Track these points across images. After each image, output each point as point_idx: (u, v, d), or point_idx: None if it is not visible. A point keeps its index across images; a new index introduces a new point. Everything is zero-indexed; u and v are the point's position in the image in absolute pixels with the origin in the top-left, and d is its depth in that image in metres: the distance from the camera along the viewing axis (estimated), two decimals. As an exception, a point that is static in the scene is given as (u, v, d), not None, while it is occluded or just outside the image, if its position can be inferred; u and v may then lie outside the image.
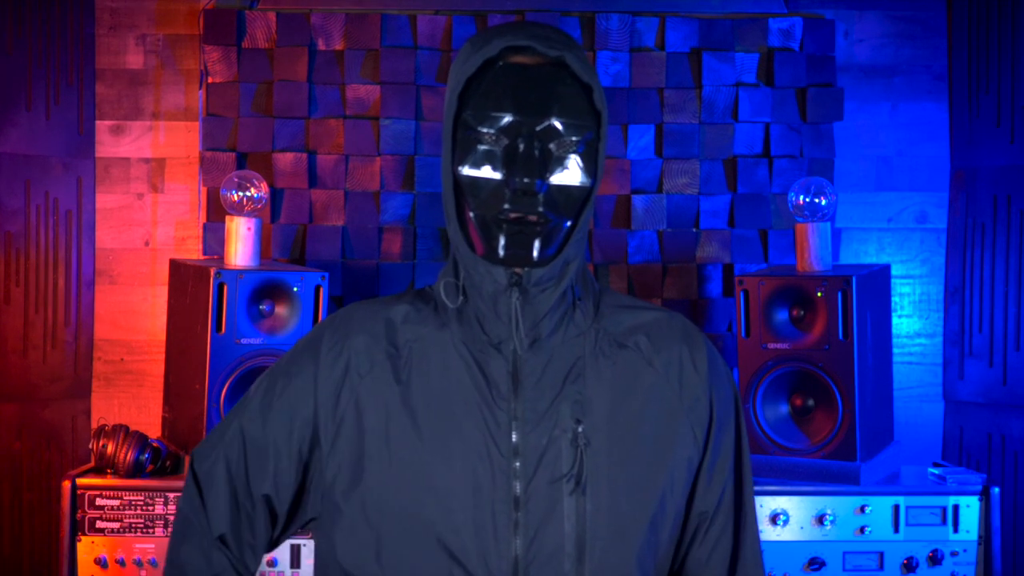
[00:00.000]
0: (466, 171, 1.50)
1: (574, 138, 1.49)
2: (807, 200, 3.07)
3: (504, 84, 1.49)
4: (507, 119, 1.48)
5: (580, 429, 1.51)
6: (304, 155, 3.45)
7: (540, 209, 1.47)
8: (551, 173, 1.48)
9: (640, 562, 1.52)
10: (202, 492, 1.64)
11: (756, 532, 1.68)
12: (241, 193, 3.06)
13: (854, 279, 2.86)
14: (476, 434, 1.50)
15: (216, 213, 3.40)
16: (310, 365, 1.60)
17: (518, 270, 1.50)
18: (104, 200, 3.51)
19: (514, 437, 1.50)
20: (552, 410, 1.52)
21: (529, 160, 1.46)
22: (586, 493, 1.50)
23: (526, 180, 1.45)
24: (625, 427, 1.54)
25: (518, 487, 1.49)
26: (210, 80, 3.46)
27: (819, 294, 2.91)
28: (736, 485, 1.66)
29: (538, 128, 1.47)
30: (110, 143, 3.51)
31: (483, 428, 1.51)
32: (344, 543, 1.55)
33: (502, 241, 1.49)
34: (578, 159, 1.50)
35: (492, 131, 1.49)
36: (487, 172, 1.49)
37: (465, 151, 1.51)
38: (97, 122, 3.51)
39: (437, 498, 1.49)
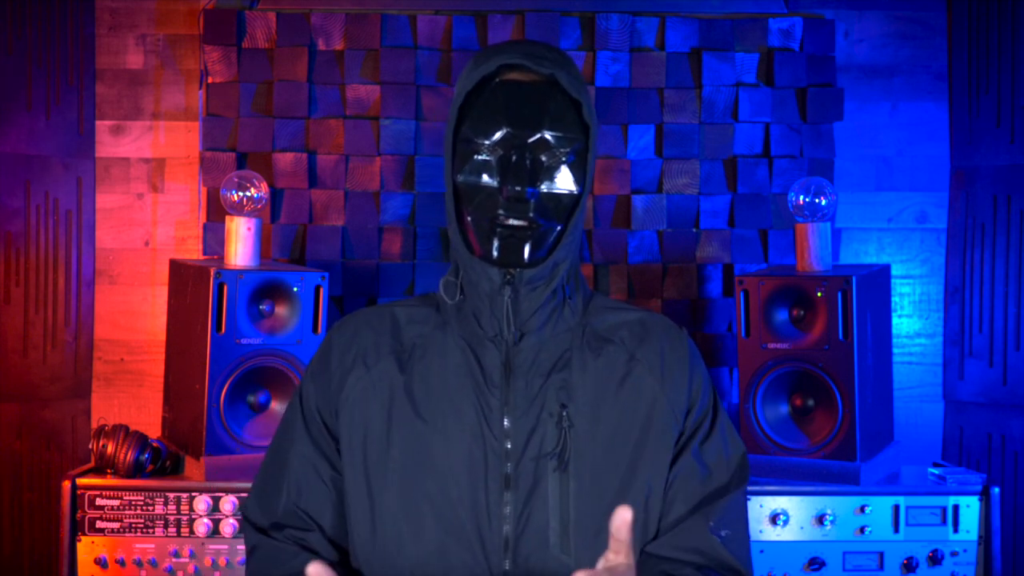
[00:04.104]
0: (464, 179, 1.64)
1: (564, 149, 1.63)
2: (807, 200, 3.07)
3: (499, 99, 1.64)
4: (502, 132, 1.62)
5: (565, 412, 1.63)
6: (304, 155, 3.45)
7: (531, 215, 1.61)
8: (542, 182, 1.63)
9: None
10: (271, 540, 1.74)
11: (746, 522, 1.73)
12: (241, 193, 3.06)
13: (854, 279, 2.87)
14: (472, 418, 1.63)
15: (216, 213, 3.41)
16: (324, 363, 1.74)
17: (511, 270, 1.63)
18: (104, 200, 3.51)
19: (506, 421, 1.62)
20: (540, 396, 1.64)
21: (521, 170, 1.60)
22: (569, 472, 1.61)
23: (518, 188, 1.59)
24: (608, 412, 1.66)
25: (509, 467, 1.61)
26: (210, 80, 3.46)
27: (819, 294, 2.91)
28: (726, 475, 1.72)
29: (530, 140, 1.62)
30: (110, 143, 3.51)
31: (478, 412, 1.63)
32: (349, 519, 1.68)
33: (496, 244, 1.63)
34: (568, 168, 1.64)
35: (488, 143, 1.63)
36: (483, 180, 1.63)
37: (464, 160, 1.65)
38: (97, 122, 3.51)
39: (435, 476, 1.61)
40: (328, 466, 1.71)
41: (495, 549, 1.58)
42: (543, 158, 1.62)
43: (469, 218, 1.65)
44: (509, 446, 1.61)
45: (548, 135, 1.61)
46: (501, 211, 1.60)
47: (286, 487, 1.72)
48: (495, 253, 1.62)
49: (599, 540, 1.57)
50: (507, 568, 1.58)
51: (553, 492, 1.60)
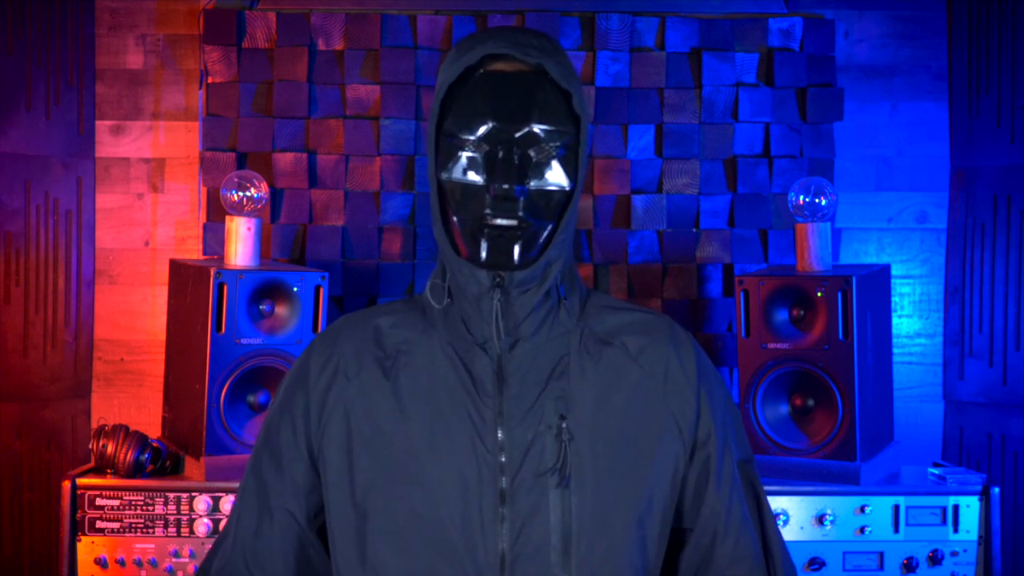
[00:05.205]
0: (448, 177, 1.54)
1: (554, 143, 1.52)
2: (807, 200, 3.06)
3: (484, 92, 1.53)
4: (487, 126, 1.51)
5: (564, 424, 1.54)
6: (304, 155, 3.45)
7: (520, 214, 1.50)
8: (531, 178, 1.52)
9: (628, 556, 1.54)
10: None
11: (776, 528, 1.71)
12: (241, 193, 3.05)
13: (854, 279, 2.86)
14: (462, 431, 1.53)
15: (216, 213, 3.40)
16: (302, 378, 1.65)
17: (500, 272, 1.53)
18: (104, 200, 3.51)
19: (499, 433, 1.53)
20: (537, 406, 1.55)
21: (508, 166, 1.49)
22: (570, 487, 1.52)
23: (505, 186, 1.48)
24: (609, 423, 1.56)
25: (504, 482, 1.52)
26: (210, 80, 3.45)
27: (819, 294, 2.91)
28: (746, 483, 1.69)
29: (517, 135, 1.51)
30: (110, 143, 3.51)
31: (469, 425, 1.54)
32: (331, 539, 1.60)
33: (484, 245, 1.52)
34: (558, 163, 1.53)
35: (473, 138, 1.52)
36: (469, 178, 1.53)
37: (447, 157, 1.54)
38: (97, 122, 3.50)
39: (425, 492, 1.52)
40: (284, 495, 1.64)
41: (490, 567, 1.49)
42: (532, 153, 1.51)
43: (455, 218, 1.55)
44: (504, 459, 1.52)
45: (537, 128, 1.50)
46: (488, 210, 1.50)
47: (235, 522, 1.68)
48: (483, 255, 1.52)
49: (599, 556, 1.52)
50: None
51: (555, 508, 1.51)
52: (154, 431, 3.23)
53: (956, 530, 2.87)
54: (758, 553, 1.66)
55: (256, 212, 3.06)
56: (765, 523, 1.69)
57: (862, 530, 2.86)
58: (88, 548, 2.82)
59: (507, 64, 1.54)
